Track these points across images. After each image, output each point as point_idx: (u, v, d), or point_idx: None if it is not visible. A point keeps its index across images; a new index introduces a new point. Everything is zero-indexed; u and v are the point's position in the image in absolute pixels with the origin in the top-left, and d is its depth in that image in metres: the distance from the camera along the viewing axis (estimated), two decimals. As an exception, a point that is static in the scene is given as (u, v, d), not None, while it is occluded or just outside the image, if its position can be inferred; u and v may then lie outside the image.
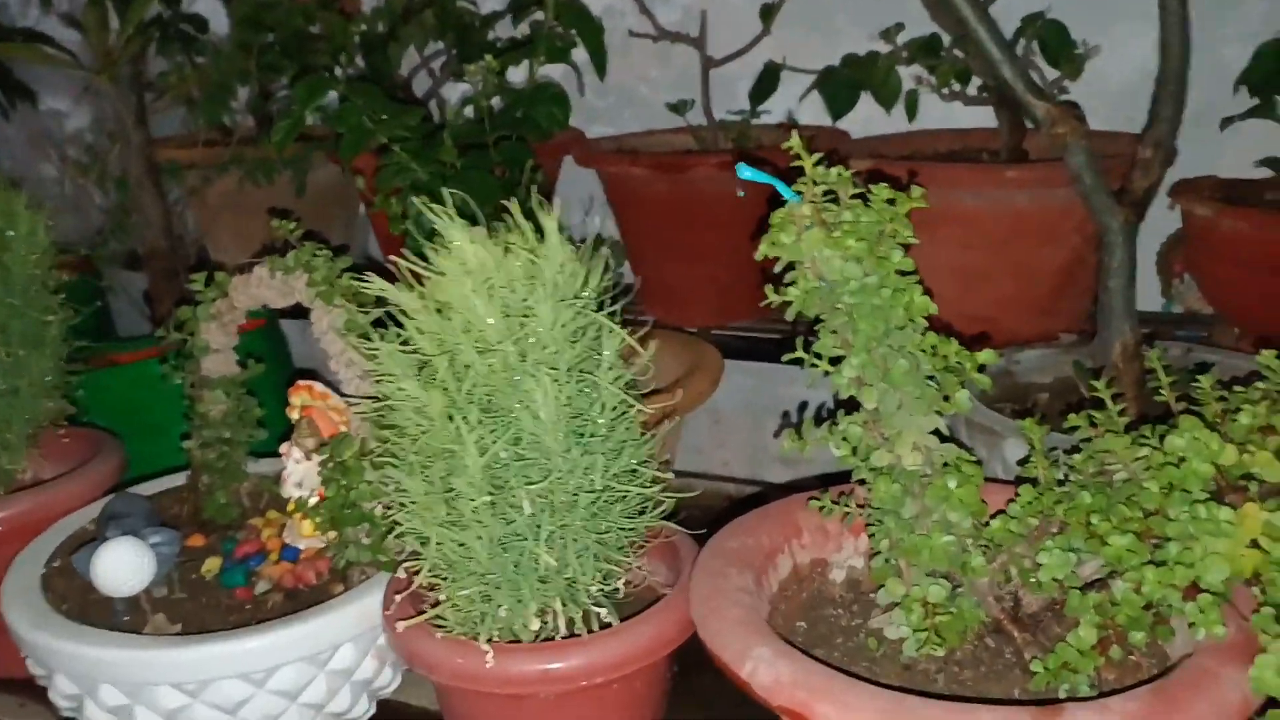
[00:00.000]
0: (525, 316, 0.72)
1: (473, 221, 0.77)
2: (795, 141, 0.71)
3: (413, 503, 0.75)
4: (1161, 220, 1.52)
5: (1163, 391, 0.77)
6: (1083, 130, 1.12)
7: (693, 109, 1.81)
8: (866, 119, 1.68)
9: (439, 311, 0.74)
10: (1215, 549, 0.63)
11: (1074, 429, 0.76)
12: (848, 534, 0.87)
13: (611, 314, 0.77)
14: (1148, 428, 0.75)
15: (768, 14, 1.69)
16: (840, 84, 1.59)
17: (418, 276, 0.75)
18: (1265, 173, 1.48)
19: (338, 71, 1.74)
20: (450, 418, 0.72)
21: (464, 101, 1.40)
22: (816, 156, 0.71)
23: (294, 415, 1.04)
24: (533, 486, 0.71)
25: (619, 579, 0.81)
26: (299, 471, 1.02)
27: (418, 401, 0.72)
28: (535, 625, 0.76)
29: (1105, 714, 0.60)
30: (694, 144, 1.83)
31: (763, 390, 1.72)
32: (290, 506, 1.02)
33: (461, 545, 0.74)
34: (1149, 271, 1.66)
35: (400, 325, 0.75)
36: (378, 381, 0.75)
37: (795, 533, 0.85)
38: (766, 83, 1.70)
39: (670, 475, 0.80)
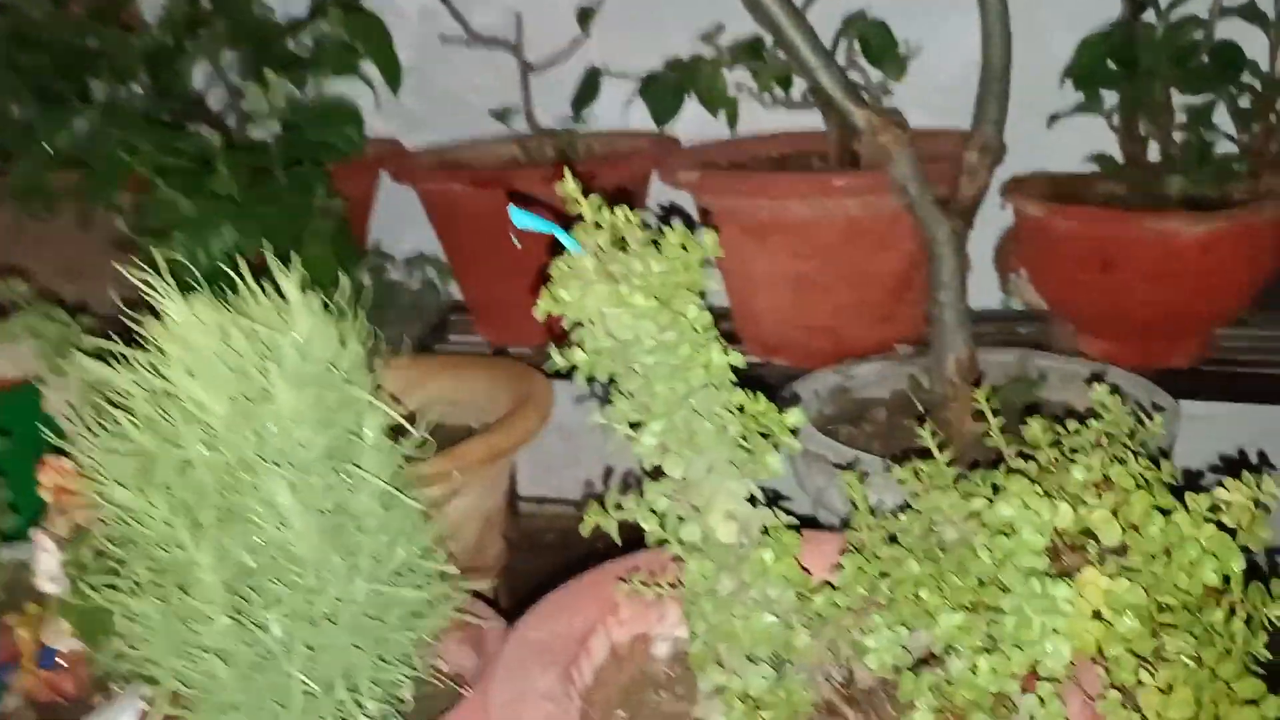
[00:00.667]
0: (261, 401, 0.60)
1: (255, 267, 0.65)
2: (569, 186, 0.61)
3: (144, 626, 0.63)
4: (997, 214, 1.49)
5: (993, 434, 0.70)
6: (905, 139, 1.06)
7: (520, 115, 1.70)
8: (703, 121, 1.60)
9: (164, 395, 0.62)
10: (1054, 626, 0.56)
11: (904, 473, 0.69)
12: (671, 601, 0.78)
13: (376, 386, 0.66)
14: (979, 476, 0.68)
15: (586, 18, 1.59)
16: (664, 89, 1.51)
17: (142, 345, 0.63)
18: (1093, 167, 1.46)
19: (123, 90, 1.57)
20: (177, 526, 0.60)
21: (246, 121, 1.26)
22: (596, 201, 0.62)
23: (46, 497, 0.90)
24: (281, 605, 0.60)
25: (403, 689, 0.70)
26: (51, 563, 0.88)
27: (132, 509, 0.60)
28: (304, 761, 0.65)
29: (942, 834, 0.52)
30: (519, 154, 1.72)
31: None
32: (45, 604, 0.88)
33: (208, 675, 0.62)
34: (987, 267, 1.63)
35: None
36: (92, 481, 0.63)
37: (610, 609, 0.76)
38: (588, 89, 1.61)
39: (454, 569, 0.70)
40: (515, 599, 0.78)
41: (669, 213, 1.50)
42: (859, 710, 0.68)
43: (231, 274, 0.64)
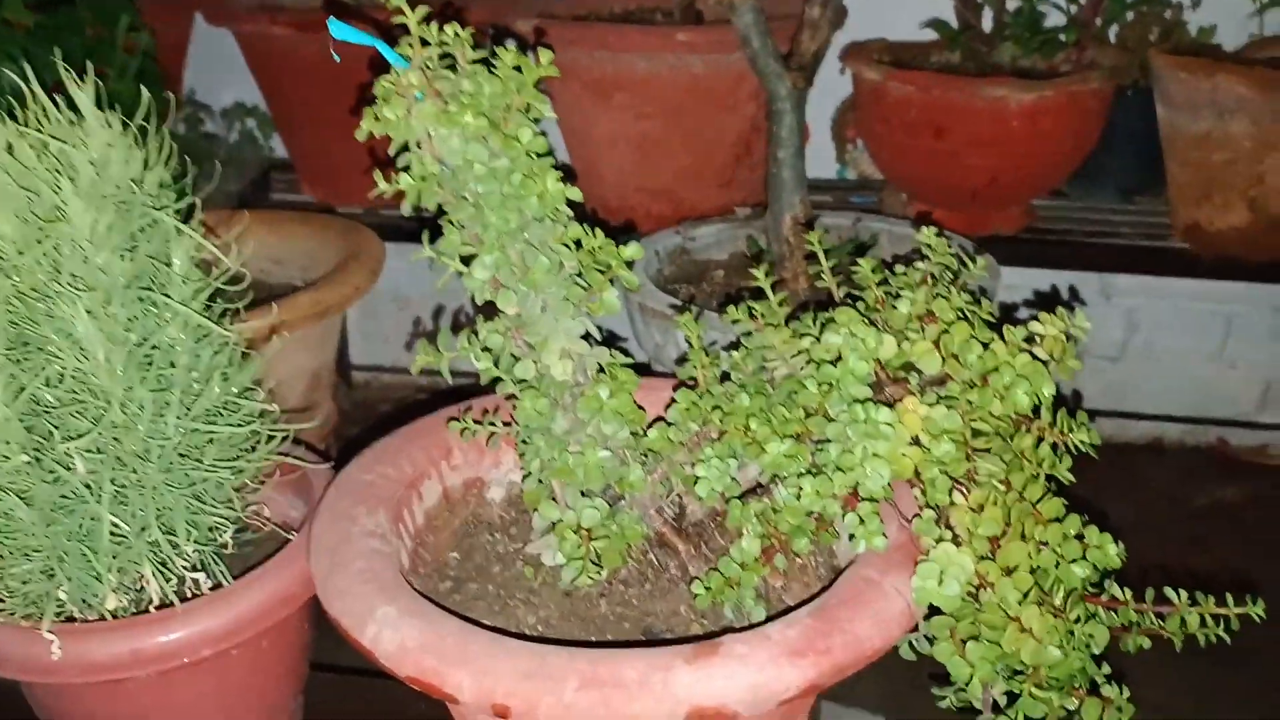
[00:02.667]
0: (54, 221, 0.55)
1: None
2: (393, -5, 0.57)
3: (-69, 466, 0.58)
4: (836, 84, 1.50)
5: (824, 275, 0.71)
6: (749, -12, 1.04)
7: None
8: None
9: (-56, 217, 0.56)
10: (875, 452, 0.57)
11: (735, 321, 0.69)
12: (507, 446, 0.77)
13: (185, 211, 0.61)
14: (809, 317, 0.69)
15: None
16: (504, -66, 1.44)
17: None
18: (933, 35, 1.47)
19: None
20: (-38, 358, 0.55)
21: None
22: (423, 11, 0.58)
23: None
24: (84, 439, 0.56)
25: (227, 531, 0.67)
26: None
27: (-89, 339, 0.54)
28: (112, 603, 0.62)
29: (764, 645, 0.54)
30: (349, -2, 1.62)
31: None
32: None
33: (4, 515, 0.58)
34: (826, 138, 1.65)
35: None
36: None
37: (444, 453, 0.75)
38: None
39: (275, 408, 0.67)
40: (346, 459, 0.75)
41: (501, 35, 1.44)
42: (689, 541, 0.69)
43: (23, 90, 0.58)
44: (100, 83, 0.74)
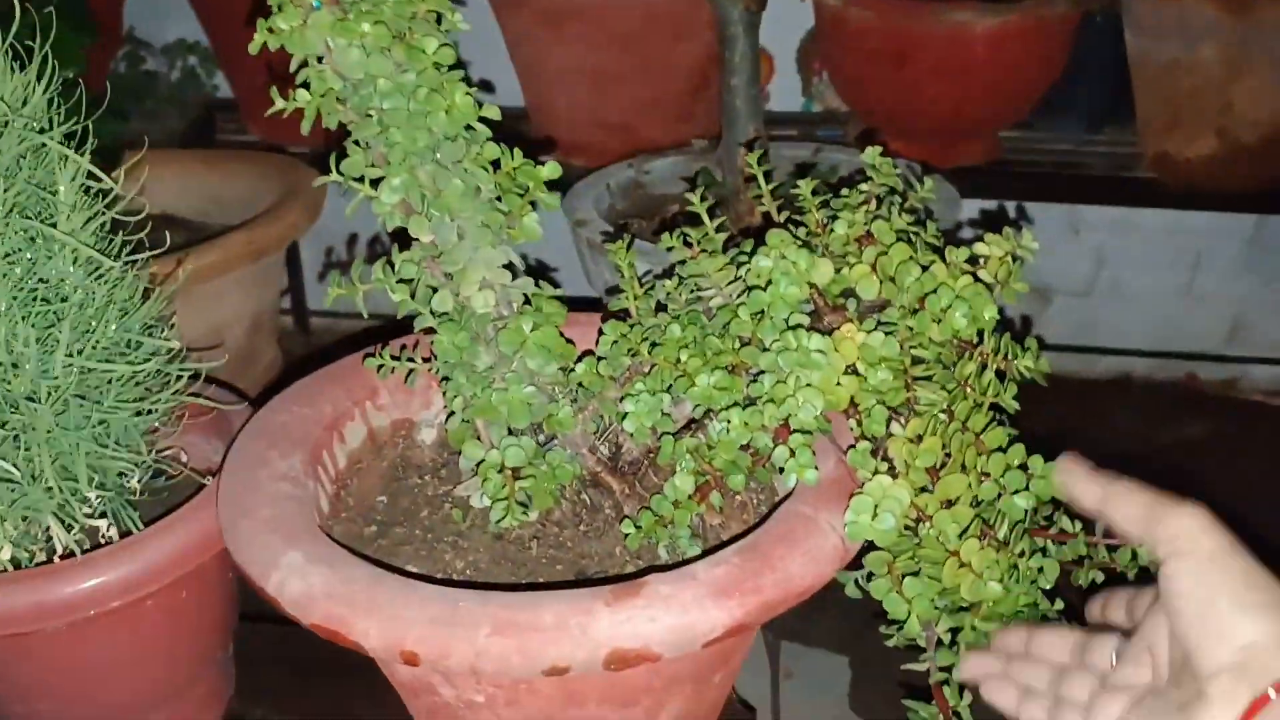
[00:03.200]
0: (-83, 144, 0.51)
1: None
2: (280, -110, 0.53)
3: None
4: (801, 14, 1.45)
5: (763, 200, 0.68)
6: (697, -96, 0.99)
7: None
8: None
9: None
10: (808, 382, 0.54)
11: (670, 249, 0.66)
12: (438, 385, 0.74)
13: (74, 135, 0.57)
14: (748, 244, 0.66)
15: None
16: None
17: None
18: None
19: None
20: None
21: None
22: (317, -88, 0.54)
23: None
24: (-38, 379, 0.52)
25: (134, 476, 0.64)
26: None
27: None
28: (6, 553, 0.59)
29: (689, 585, 0.51)
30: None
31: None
32: None
33: (-117, 462, 0.55)
34: (791, 70, 1.60)
35: None
36: None
37: (370, 393, 0.71)
38: None
39: (179, 345, 0.63)
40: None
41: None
42: (622, 480, 0.66)
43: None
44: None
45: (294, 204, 1.08)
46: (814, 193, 0.65)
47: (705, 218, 0.66)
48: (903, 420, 0.56)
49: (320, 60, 0.56)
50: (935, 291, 0.55)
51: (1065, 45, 1.30)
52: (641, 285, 0.67)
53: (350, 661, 0.54)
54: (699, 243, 0.65)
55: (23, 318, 0.54)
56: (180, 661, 0.72)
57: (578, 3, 1.28)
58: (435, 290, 0.61)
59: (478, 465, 0.64)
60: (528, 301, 0.64)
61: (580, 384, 0.64)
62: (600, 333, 0.64)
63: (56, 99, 0.58)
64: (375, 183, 0.58)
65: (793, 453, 0.54)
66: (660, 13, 1.28)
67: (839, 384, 0.55)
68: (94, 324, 0.57)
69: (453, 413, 0.65)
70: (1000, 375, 0.60)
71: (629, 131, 1.37)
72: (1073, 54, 1.33)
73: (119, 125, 0.98)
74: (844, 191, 0.67)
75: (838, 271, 0.59)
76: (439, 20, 0.58)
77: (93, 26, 1.10)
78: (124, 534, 0.64)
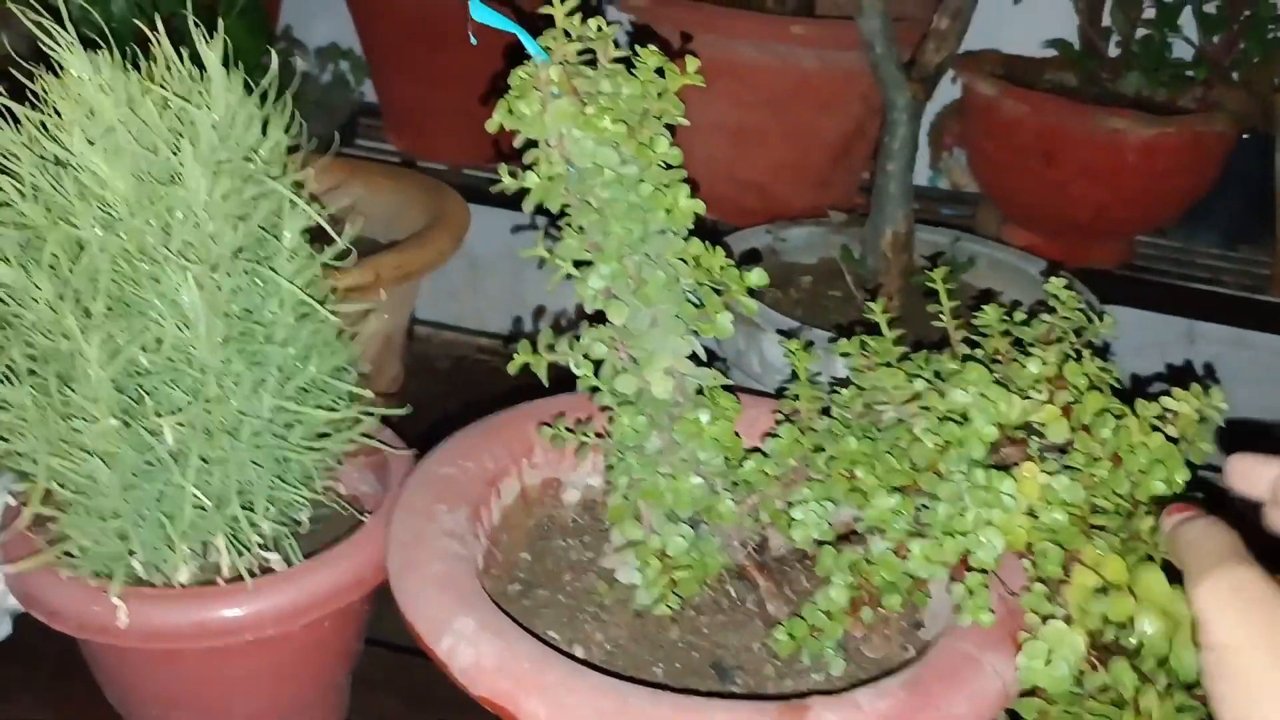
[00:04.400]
0: (170, 184, 0.53)
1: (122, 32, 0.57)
2: (544, -17, 0.54)
3: (19, 417, 0.57)
4: (939, 89, 1.45)
5: (942, 317, 0.68)
6: (880, -9, 1.00)
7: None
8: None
9: (58, 164, 0.55)
10: (990, 520, 0.55)
11: (842, 345, 0.66)
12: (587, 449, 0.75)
13: (298, 183, 0.59)
14: (921, 357, 0.66)
15: None
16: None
17: (34, 103, 0.55)
18: (1049, 51, 1.42)
19: None
20: (64, 313, 0.53)
21: None
22: (573, 3, 0.55)
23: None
24: (179, 414, 0.54)
25: (304, 510, 0.66)
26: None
27: (12, 289, 0.53)
28: (184, 575, 0.61)
29: (854, 714, 0.51)
30: (455, -50, 1.59)
31: (524, 235, 1.57)
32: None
33: (86, 476, 0.57)
34: (920, 142, 1.60)
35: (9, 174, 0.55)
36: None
37: (526, 450, 0.73)
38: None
39: (369, 393, 0.65)
40: (404, 422, 0.73)
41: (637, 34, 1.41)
42: (770, 578, 0.67)
43: (143, 33, 0.56)
44: (205, 24, 0.72)
45: (442, 230, 1.10)
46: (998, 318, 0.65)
47: (885, 328, 0.67)
48: (1079, 565, 0.56)
49: (549, 143, 0.57)
50: (1131, 450, 0.55)
51: (1218, 161, 1.28)
52: (811, 384, 0.67)
53: (461, 698, 0.55)
54: (877, 354, 0.65)
55: (237, 355, 0.56)
56: (308, 685, 0.73)
57: (732, 61, 1.29)
58: (619, 371, 0.62)
59: (630, 543, 0.65)
60: (700, 391, 0.65)
61: (745, 479, 0.64)
62: (770, 434, 0.64)
63: (284, 144, 0.60)
64: (579, 264, 0.60)
65: (971, 592, 0.54)
66: (813, 81, 1.28)
67: (1019, 524, 0.55)
68: (296, 365, 0.59)
69: (615, 489, 0.66)
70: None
71: (764, 192, 1.38)
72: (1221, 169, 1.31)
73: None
74: (1018, 315, 0.68)
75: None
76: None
77: (272, 35, 1.14)
78: (285, 562, 0.65)
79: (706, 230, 1.25)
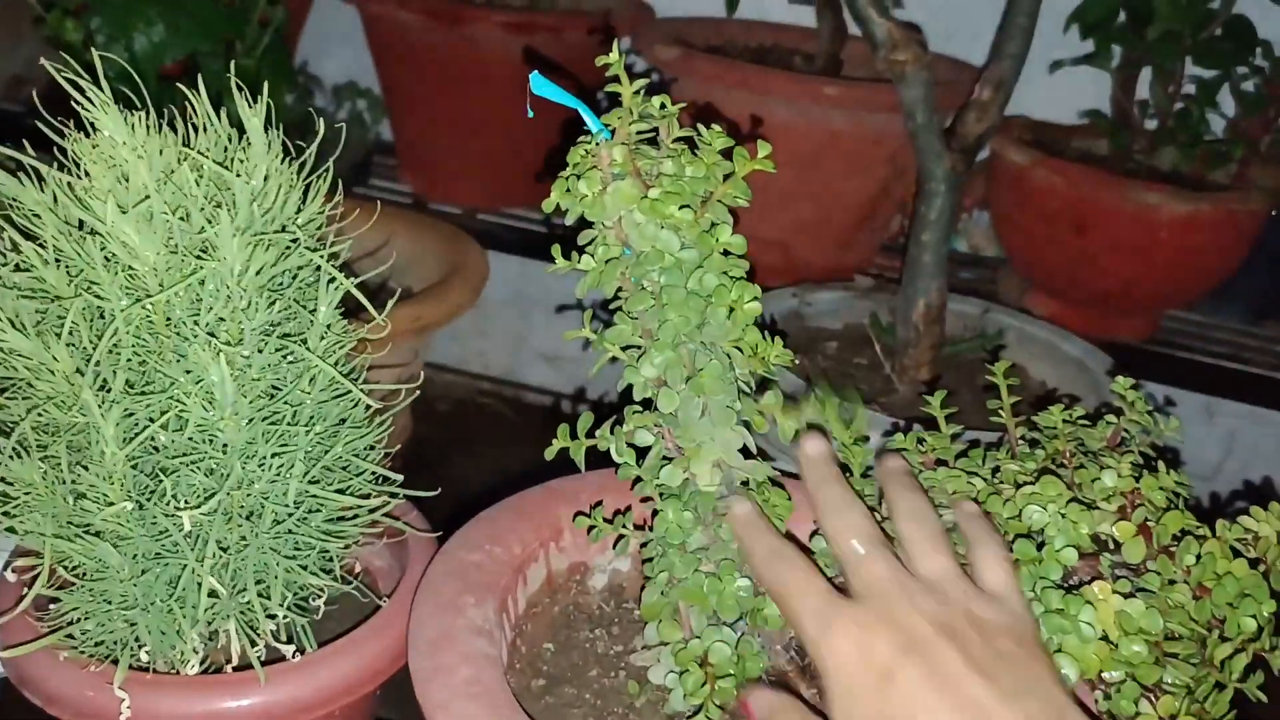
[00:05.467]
0: (202, 255, 0.50)
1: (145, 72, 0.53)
2: (615, 58, 0.51)
3: (24, 493, 0.53)
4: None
5: (1001, 413, 0.64)
6: (925, 60, 0.97)
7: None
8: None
9: (82, 229, 0.51)
10: (1060, 646, 0.51)
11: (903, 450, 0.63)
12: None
13: (334, 255, 0.56)
14: (977, 454, 0.63)
15: None
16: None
17: (63, 163, 0.52)
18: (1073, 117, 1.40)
19: None
20: (81, 386, 0.50)
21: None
22: (640, 83, 0.52)
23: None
24: (200, 499, 0.51)
25: (321, 596, 0.62)
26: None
27: (26, 357, 0.49)
28: (194, 663, 0.57)
29: None
30: (480, -9, 1.57)
31: (532, 281, 1.54)
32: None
33: (95, 560, 0.53)
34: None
35: (31, 237, 0.52)
36: (-22, 317, 0.51)
37: (554, 535, 0.69)
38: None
39: (395, 475, 0.61)
40: (404, 466, 0.69)
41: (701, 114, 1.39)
42: (810, 684, 0.63)
43: (180, 92, 0.52)
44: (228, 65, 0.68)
45: (461, 282, 1.07)
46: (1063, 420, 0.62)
47: (942, 423, 0.64)
48: (1151, 699, 0.53)
49: (606, 224, 0.54)
50: (1219, 580, 0.51)
51: (1249, 238, 1.26)
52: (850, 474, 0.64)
53: None
54: (933, 450, 0.62)
55: (263, 437, 0.52)
56: (311, 775, 0.69)
57: (762, 118, 1.26)
58: (665, 461, 0.59)
59: (664, 642, 0.62)
60: (745, 483, 0.61)
61: (791, 580, 0.61)
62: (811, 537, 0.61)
63: (323, 217, 0.57)
64: (628, 347, 0.56)
65: (1044, 727, 0.50)
66: (842, 142, 1.26)
67: (1093, 652, 0.52)
68: (323, 446, 0.55)
69: (653, 584, 0.62)
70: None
71: (786, 250, 1.35)
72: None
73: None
74: (1077, 414, 0.64)
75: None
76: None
77: (293, 74, 1.11)
78: (297, 649, 0.62)
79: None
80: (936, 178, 1.01)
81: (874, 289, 1.20)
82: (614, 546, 0.62)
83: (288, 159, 0.55)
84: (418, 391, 1.23)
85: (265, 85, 0.62)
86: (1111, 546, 0.57)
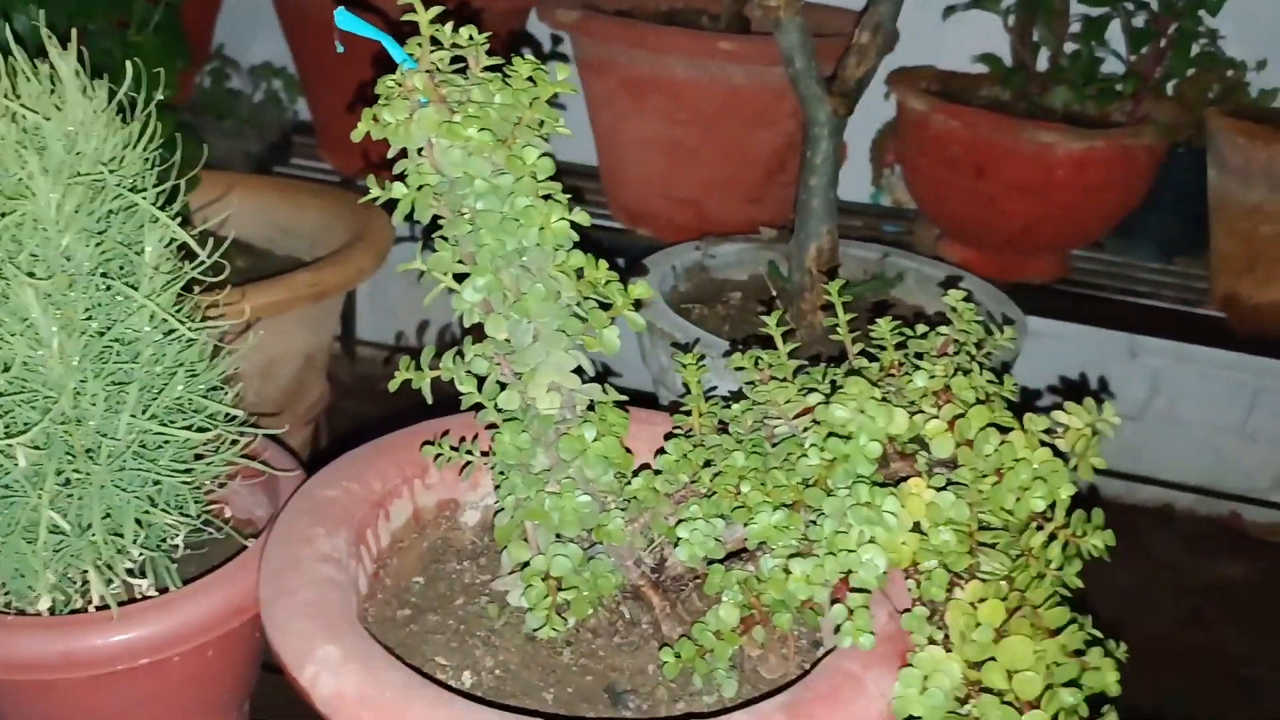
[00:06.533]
0: (16, 198, 0.51)
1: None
2: (405, -11, 0.53)
3: None
4: (880, 107, 1.45)
5: (840, 331, 0.66)
6: (797, 6, 0.99)
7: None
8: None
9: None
10: (871, 537, 0.53)
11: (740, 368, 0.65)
12: (485, 469, 0.73)
13: (164, 195, 0.57)
14: (818, 372, 0.65)
15: None
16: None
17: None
18: (983, 68, 1.42)
19: None
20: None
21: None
22: (436, 10, 0.54)
23: None
24: (28, 432, 0.52)
25: (179, 534, 0.64)
26: None
27: None
28: (45, 602, 0.59)
29: (728, 739, 0.50)
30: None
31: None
32: None
33: (-64, 500, 0.54)
34: (861, 159, 1.60)
35: None
36: None
37: (420, 471, 0.71)
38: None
39: (239, 413, 0.63)
40: (340, 444, 0.71)
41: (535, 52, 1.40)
42: (665, 598, 0.65)
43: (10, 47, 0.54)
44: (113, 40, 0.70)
45: (362, 249, 1.08)
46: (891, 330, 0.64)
47: (779, 341, 0.65)
48: (962, 585, 0.55)
49: (419, 152, 0.56)
50: (1014, 465, 0.53)
51: (1148, 174, 1.29)
52: (706, 400, 0.66)
53: None
54: (770, 367, 0.64)
55: (94, 375, 0.54)
56: (197, 716, 0.71)
57: (663, 76, 1.28)
58: (502, 387, 0.61)
59: (520, 565, 0.64)
60: (591, 406, 0.63)
61: (635, 497, 0.63)
62: (661, 450, 0.63)
63: (152, 157, 0.58)
64: (458, 277, 0.58)
65: (850, 613, 0.52)
66: (743, 97, 1.28)
67: (903, 542, 0.54)
68: (162, 384, 0.57)
69: (501, 508, 0.64)
70: (1065, 548, 0.58)
71: (698, 208, 1.37)
72: (1153, 182, 1.32)
73: (198, 146, 1.00)
74: (921, 330, 0.66)
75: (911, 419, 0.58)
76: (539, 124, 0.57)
77: (188, 51, 1.12)
78: (161, 590, 0.63)
79: (643, 247, 1.25)
80: (819, 122, 1.03)
81: (777, 239, 1.21)
82: (460, 474, 0.64)
83: (113, 106, 0.56)
84: (351, 360, 1.23)
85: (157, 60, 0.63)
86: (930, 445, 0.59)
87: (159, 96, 0.62)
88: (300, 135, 1.59)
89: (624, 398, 0.64)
